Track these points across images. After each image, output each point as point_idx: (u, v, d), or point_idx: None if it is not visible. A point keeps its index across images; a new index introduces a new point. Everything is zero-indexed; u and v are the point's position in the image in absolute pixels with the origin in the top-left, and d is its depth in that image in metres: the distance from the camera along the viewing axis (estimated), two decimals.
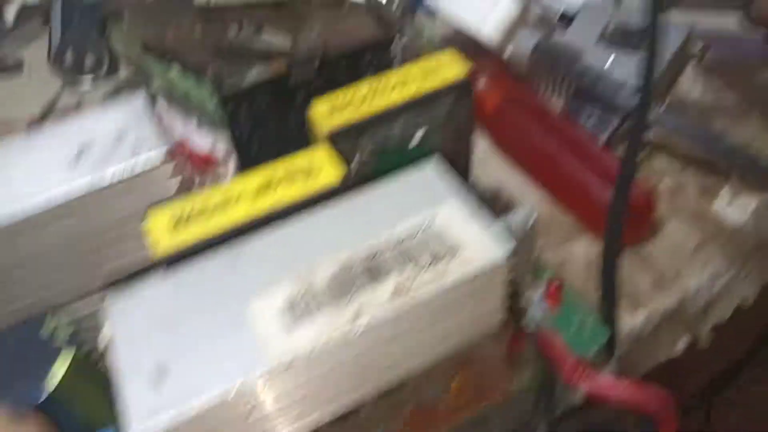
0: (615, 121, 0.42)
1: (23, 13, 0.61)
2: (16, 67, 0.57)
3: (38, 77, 0.55)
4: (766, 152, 0.42)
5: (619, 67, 0.45)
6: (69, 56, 0.52)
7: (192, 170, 0.45)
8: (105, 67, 0.54)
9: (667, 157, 0.43)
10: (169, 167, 0.27)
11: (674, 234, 0.38)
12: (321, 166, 0.27)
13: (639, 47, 0.46)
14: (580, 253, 0.38)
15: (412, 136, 0.30)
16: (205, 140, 0.43)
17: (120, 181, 0.26)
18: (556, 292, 0.31)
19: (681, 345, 0.37)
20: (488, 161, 0.44)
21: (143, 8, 0.57)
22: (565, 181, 0.39)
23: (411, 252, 0.22)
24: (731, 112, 0.45)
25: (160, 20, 0.56)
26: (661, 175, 0.42)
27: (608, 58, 0.46)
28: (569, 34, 0.47)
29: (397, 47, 0.36)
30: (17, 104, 0.53)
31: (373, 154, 0.31)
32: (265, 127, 0.36)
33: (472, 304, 0.22)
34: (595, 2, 0.52)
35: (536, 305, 0.32)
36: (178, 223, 0.25)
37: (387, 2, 0.56)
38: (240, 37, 0.55)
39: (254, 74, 0.53)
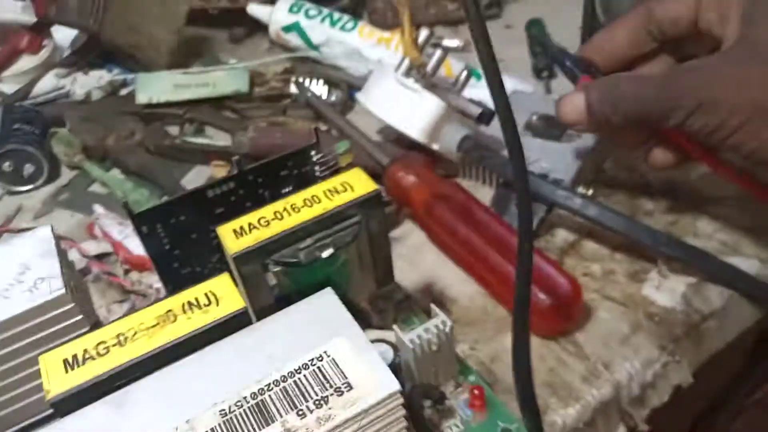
0: (540, 212, 0.43)
1: None
2: None
3: None
4: (688, 234, 0.43)
5: (545, 157, 0.47)
6: (6, 165, 0.52)
7: (128, 272, 0.45)
8: (44, 176, 0.54)
9: (598, 241, 0.43)
10: (70, 306, 0.27)
11: (605, 321, 0.38)
12: (221, 295, 0.26)
13: (562, 137, 0.48)
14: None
15: (320, 254, 0.30)
16: None
17: (18, 319, 0.26)
18: (479, 398, 0.31)
19: None
20: (425, 252, 0.44)
21: (85, 113, 0.58)
22: (492, 274, 0.39)
23: (299, 392, 0.22)
24: (658, 192, 0.46)
25: (101, 125, 0.57)
26: (591, 261, 0.42)
27: (532, 149, 0.48)
28: (493, 127, 0.49)
29: (315, 156, 0.37)
30: None
31: (283, 273, 0.31)
32: (184, 242, 0.35)
33: None
34: (522, 91, 0.54)
35: (460, 413, 0.31)
36: (72, 365, 0.24)
37: (324, 99, 0.58)
38: (181, 137, 0.56)
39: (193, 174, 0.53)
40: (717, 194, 0.46)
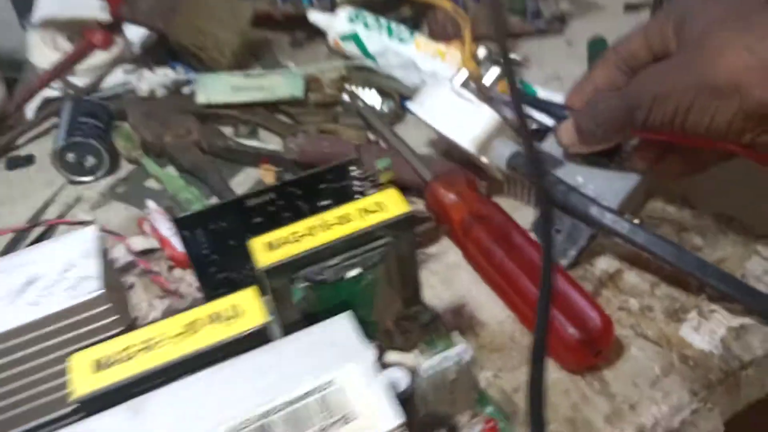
0: (583, 240, 0.42)
1: (44, 105, 0.65)
2: (27, 160, 0.61)
3: (47, 172, 0.58)
4: (738, 271, 0.41)
5: (592, 182, 0.46)
6: (71, 157, 0.55)
7: (172, 268, 0.47)
8: (105, 168, 0.56)
9: (638, 274, 0.42)
10: (107, 306, 0.28)
11: (637, 360, 0.37)
12: (245, 308, 0.27)
13: (611, 162, 0.47)
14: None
15: (346, 273, 0.30)
16: None
17: (58, 316, 0.28)
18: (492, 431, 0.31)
19: None
20: (460, 271, 0.44)
21: (146, 109, 0.60)
22: (522, 301, 0.39)
23: (303, 418, 0.22)
24: (708, 228, 0.45)
25: (161, 121, 0.59)
26: (629, 295, 0.41)
27: (581, 171, 0.47)
28: (544, 146, 0.48)
29: (354, 171, 0.38)
30: (23, 197, 0.56)
31: (310, 289, 0.31)
32: (222, 248, 0.37)
33: None
34: None
35: None
36: (100, 366, 0.26)
37: (376, 108, 0.59)
38: (234, 139, 0.58)
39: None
40: None
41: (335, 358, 0.24)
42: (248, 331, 0.27)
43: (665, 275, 0.42)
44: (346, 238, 0.31)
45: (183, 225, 0.35)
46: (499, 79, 0.48)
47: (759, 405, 0.38)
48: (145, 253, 0.48)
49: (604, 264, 0.43)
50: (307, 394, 0.23)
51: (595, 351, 0.36)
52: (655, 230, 0.45)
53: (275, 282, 0.30)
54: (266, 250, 0.30)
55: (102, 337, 0.27)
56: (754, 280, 0.41)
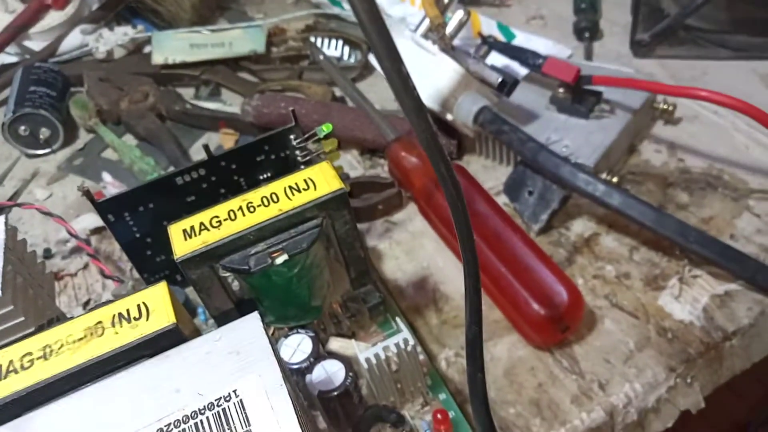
0: (554, 203, 0.39)
1: (0, 72, 0.62)
2: None
3: (4, 145, 0.55)
4: (724, 235, 0.37)
5: (568, 136, 0.42)
6: (22, 129, 0.52)
7: None
8: (59, 140, 0.53)
9: (616, 238, 0.39)
10: (8, 309, 0.26)
11: (610, 334, 0.35)
12: (154, 308, 0.25)
13: (590, 113, 0.43)
14: (502, 354, 0.34)
15: (273, 260, 0.27)
16: None
17: None
18: (443, 422, 0.28)
19: None
20: (424, 240, 0.41)
21: (103, 74, 0.57)
22: (485, 274, 0.36)
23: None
24: (696, 183, 0.41)
25: (117, 86, 0.55)
26: (606, 261, 0.38)
27: (555, 126, 0.43)
28: (516, 97, 0.44)
29: (296, 140, 0.34)
30: None
31: (239, 278, 0.29)
32: (156, 230, 0.34)
33: None
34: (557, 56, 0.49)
35: None
36: None
37: (343, 60, 0.54)
38: (193, 102, 0.54)
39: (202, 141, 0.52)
40: (766, 185, 0.40)
41: (237, 368, 0.21)
42: (158, 331, 0.24)
43: (646, 238, 0.38)
44: (270, 221, 0.28)
45: (106, 209, 0.32)
46: (463, 23, 0.44)
47: (743, 376, 0.35)
48: (100, 230, 0.46)
49: (580, 227, 0.40)
50: (202, 410, 0.20)
51: (562, 327, 0.33)
52: (638, 187, 0.41)
53: (194, 273, 0.28)
54: (183, 237, 0.28)
55: (9, 340, 0.25)
56: (744, 241, 0.37)
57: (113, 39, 0.61)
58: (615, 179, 0.39)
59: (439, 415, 0.28)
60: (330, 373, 0.27)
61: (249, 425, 0.20)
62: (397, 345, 0.28)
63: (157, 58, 0.57)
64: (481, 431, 0.26)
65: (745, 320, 0.34)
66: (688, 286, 0.36)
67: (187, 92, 0.57)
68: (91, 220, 0.45)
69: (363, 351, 0.28)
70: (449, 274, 0.39)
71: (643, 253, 0.38)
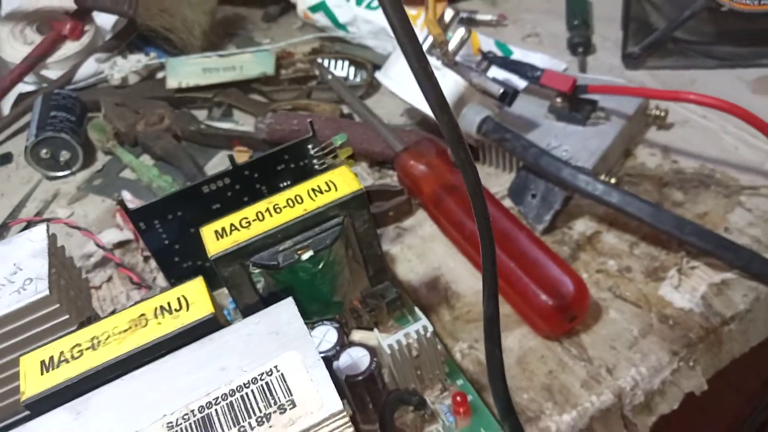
0: (557, 204, 0.41)
1: (19, 101, 0.64)
2: (5, 159, 0.60)
3: (25, 169, 0.57)
4: (718, 229, 0.40)
5: (567, 142, 0.44)
6: (44, 152, 0.55)
7: (148, 258, 0.46)
8: (79, 162, 0.56)
9: (617, 235, 0.41)
10: (54, 307, 0.28)
11: (615, 323, 0.36)
12: (194, 299, 0.27)
13: (587, 120, 0.45)
14: (514, 345, 0.36)
15: (299, 256, 0.30)
16: None
17: (4, 320, 0.27)
18: (462, 404, 0.30)
19: None
20: (435, 244, 0.43)
21: (119, 99, 0.59)
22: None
23: (244, 407, 0.22)
24: (690, 182, 0.43)
25: (133, 110, 0.58)
26: (608, 257, 0.40)
27: (555, 132, 0.45)
28: (516, 107, 0.46)
29: (313, 149, 0.36)
30: (1, 196, 0.56)
31: (267, 274, 0.31)
32: (183, 237, 0.36)
33: None
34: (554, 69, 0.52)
35: (443, 419, 0.31)
36: (48, 367, 0.25)
37: (349, 80, 0.57)
38: (206, 122, 0.57)
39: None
40: (755, 182, 0.42)
41: (276, 346, 0.23)
42: (199, 320, 0.26)
43: (644, 234, 0.40)
44: (296, 220, 0.30)
45: (138, 217, 0.35)
46: (464, 41, 0.47)
47: (743, 359, 0.37)
48: (122, 245, 0.48)
49: (582, 226, 0.42)
50: (247, 384, 0.22)
51: (569, 317, 0.35)
52: (635, 188, 0.44)
53: (226, 270, 0.30)
54: (215, 238, 0.30)
55: (53, 338, 0.27)
56: (737, 233, 0.40)
57: (127, 66, 0.64)
58: (613, 180, 0.42)
59: (458, 398, 0.30)
60: (356, 359, 0.29)
61: (291, 395, 0.22)
62: (417, 332, 0.30)
63: (172, 83, 0.60)
64: (499, 407, 0.28)
65: (742, 306, 0.36)
66: (687, 276, 0.38)
67: (201, 114, 0.59)
68: (114, 234, 0.47)
69: (384, 339, 0.30)
70: (460, 274, 0.41)
71: (642, 247, 0.40)
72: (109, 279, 0.46)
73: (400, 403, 0.29)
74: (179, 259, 0.37)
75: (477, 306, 0.39)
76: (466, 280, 0.40)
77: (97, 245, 0.41)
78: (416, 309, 0.31)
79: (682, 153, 0.46)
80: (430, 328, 0.30)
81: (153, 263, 0.46)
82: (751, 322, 0.36)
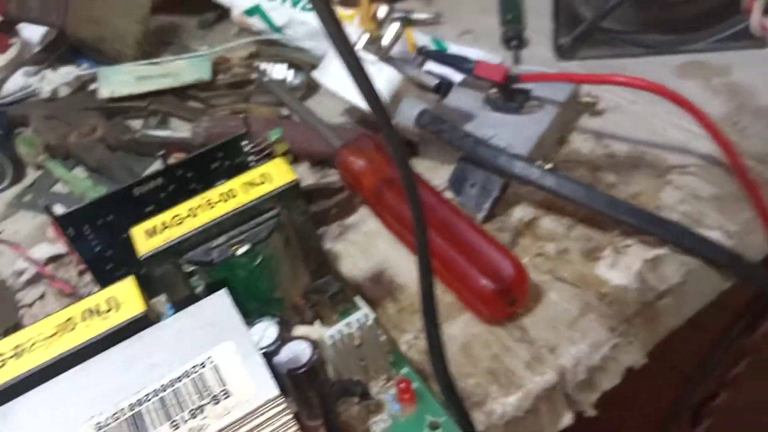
0: (495, 191, 0.42)
1: None
2: None
3: None
4: (650, 207, 0.41)
5: (503, 131, 0.45)
6: None
7: (83, 273, 0.45)
8: (8, 178, 0.54)
9: (554, 219, 0.42)
10: None
11: (555, 304, 0.37)
12: (123, 300, 0.26)
13: (521, 109, 0.46)
14: (458, 333, 0.36)
15: (234, 251, 0.29)
16: None
17: None
18: (407, 392, 0.30)
19: (566, 420, 0.35)
20: (377, 239, 0.43)
21: (49, 111, 0.58)
22: (437, 259, 0.38)
23: (176, 401, 0.21)
24: (621, 165, 0.44)
25: (65, 122, 0.56)
26: (546, 241, 0.40)
27: (491, 122, 0.46)
28: (452, 100, 0.47)
29: (247, 146, 0.36)
30: None
31: (203, 272, 0.30)
32: (116, 243, 0.35)
33: None
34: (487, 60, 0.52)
35: (389, 407, 0.31)
36: None
37: (287, 82, 0.57)
38: (142, 130, 0.55)
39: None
40: (683, 161, 0.44)
41: (209, 338, 0.22)
42: (129, 320, 0.25)
43: (581, 217, 0.41)
44: (229, 215, 0.29)
45: (67, 223, 0.33)
46: (399, 36, 0.47)
47: (680, 332, 0.38)
48: (55, 259, 0.46)
49: (520, 213, 0.43)
50: (179, 378, 0.22)
51: (510, 300, 0.35)
52: (570, 173, 0.44)
53: (159, 269, 0.29)
54: (146, 237, 0.29)
55: None
56: (668, 210, 0.41)
57: (58, 78, 0.62)
58: (549, 165, 0.43)
59: (402, 384, 0.30)
60: (296, 352, 0.28)
61: (225, 385, 0.21)
62: (358, 320, 0.29)
63: (104, 92, 0.58)
64: (442, 386, 0.28)
65: (675, 279, 0.37)
66: (622, 254, 0.39)
67: (136, 124, 0.58)
68: (46, 249, 0.46)
69: (326, 331, 0.29)
70: (403, 267, 0.41)
71: (579, 230, 0.41)
72: (42, 296, 0.44)
73: (343, 394, 0.29)
74: (113, 266, 0.36)
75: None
76: (410, 272, 0.40)
77: (29, 260, 0.40)
78: (357, 298, 0.31)
79: (614, 137, 0.47)
80: (372, 316, 0.30)
81: (88, 277, 0.44)
82: (684, 294, 0.38)
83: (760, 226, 0.40)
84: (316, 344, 0.29)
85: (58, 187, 0.54)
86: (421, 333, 0.36)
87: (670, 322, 0.37)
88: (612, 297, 0.37)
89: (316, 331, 0.31)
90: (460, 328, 0.37)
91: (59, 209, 0.49)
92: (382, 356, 0.31)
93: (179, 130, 0.56)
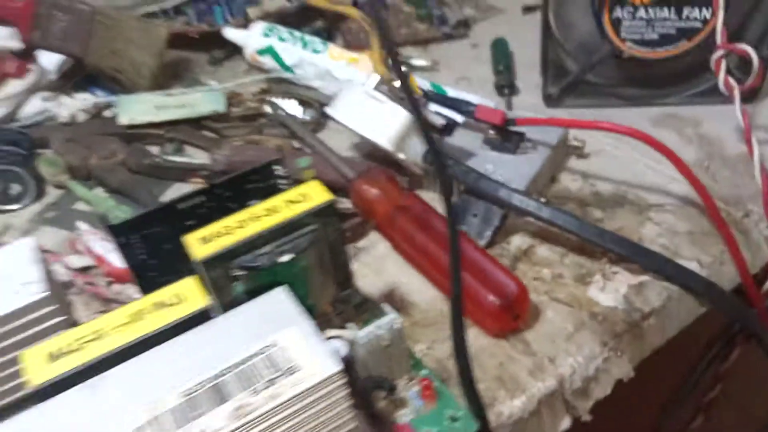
0: (496, 221, 0.46)
1: None
2: None
3: None
4: (634, 238, 0.46)
5: (501, 168, 0.50)
6: None
7: (111, 284, 0.48)
8: (31, 195, 0.56)
9: (549, 248, 0.46)
10: (53, 307, 0.29)
11: (552, 321, 0.41)
12: (187, 295, 0.29)
13: (517, 149, 0.51)
14: (467, 344, 0.40)
15: (279, 258, 0.33)
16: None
17: (4, 319, 0.29)
18: (428, 389, 0.33)
19: (565, 424, 0.39)
20: (389, 261, 0.47)
21: (69, 135, 0.61)
22: (446, 278, 0.42)
23: (252, 375, 0.24)
24: (607, 202, 0.50)
25: (85, 145, 0.59)
26: (542, 266, 0.45)
27: (491, 160, 0.51)
28: (455, 140, 0.52)
29: (279, 171, 0.40)
30: None
31: (248, 277, 0.34)
32: (159, 253, 0.38)
33: (316, 418, 0.25)
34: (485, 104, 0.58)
35: (412, 403, 0.34)
36: (53, 357, 0.27)
37: (298, 117, 0.61)
38: (161, 156, 0.59)
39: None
40: (661, 201, 0.49)
41: (274, 324, 0.26)
42: (192, 314, 0.28)
43: (572, 246, 0.46)
44: (275, 226, 0.33)
45: (118, 232, 0.36)
46: (407, 79, 0.52)
47: (663, 350, 0.43)
48: (83, 270, 0.49)
49: (518, 241, 0.47)
50: (253, 355, 0.25)
51: (514, 315, 0.40)
52: (561, 207, 0.49)
53: (212, 272, 0.32)
54: (201, 243, 0.32)
55: (50, 338, 0.29)
56: (648, 242, 0.46)
57: (75, 104, 0.65)
58: (543, 200, 0.48)
59: (425, 382, 0.33)
60: (333, 348, 0.32)
61: (292, 362, 0.24)
62: (387, 323, 0.33)
63: (123, 119, 0.61)
64: (462, 377, 0.31)
65: (657, 303, 0.42)
66: (610, 279, 0.43)
67: (152, 150, 0.61)
68: (76, 260, 0.48)
69: (359, 332, 0.33)
70: (413, 286, 0.45)
71: (571, 257, 0.45)
72: (69, 304, 0.47)
73: (375, 387, 0.32)
74: (156, 274, 0.39)
75: (431, 312, 0.43)
76: (420, 290, 0.44)
77: (67, 268, 0.42)
78: (383, 305, 0.35)
79: (599, 178, 0.52)
80: (400, 320, 0.33)
81: (115, 288, 0.47)
82: (666, 316, 0.42)
83: (730, 259, 0.45)
84: (351, 342, 0.33)
85: (79, 206, 0.56)
86: (433, 344, 0.40)
87: (655, 341, 0.42)
88: (603, 316, 0.41)
89: (346, 332, 0.34)
90: (469, 340, 0.40)
91: (83, 226, 0.53)
92: (405, 358, 0.35)
93: (194, 157, 0.60)
